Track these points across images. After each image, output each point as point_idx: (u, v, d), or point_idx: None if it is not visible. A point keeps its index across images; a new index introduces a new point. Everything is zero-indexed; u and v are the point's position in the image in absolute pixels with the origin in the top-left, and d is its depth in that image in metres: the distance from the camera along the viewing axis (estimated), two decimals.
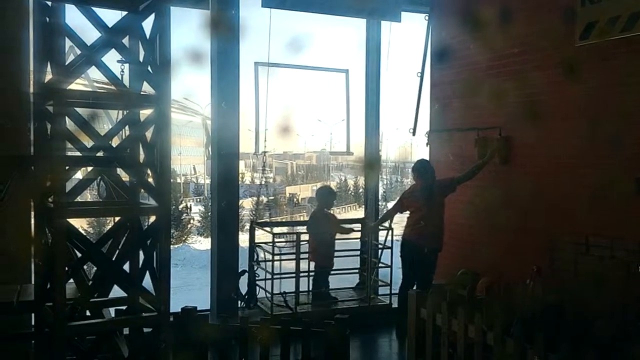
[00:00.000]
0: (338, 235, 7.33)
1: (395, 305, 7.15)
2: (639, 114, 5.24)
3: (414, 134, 8.13)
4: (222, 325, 4.69)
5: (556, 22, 6.00)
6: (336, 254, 7.33)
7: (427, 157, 7.82)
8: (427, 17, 7.93)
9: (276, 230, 7.65)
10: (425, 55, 7.96)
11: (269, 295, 6.88)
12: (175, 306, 4.54)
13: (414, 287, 6.52)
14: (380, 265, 7.30)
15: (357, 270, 7.68)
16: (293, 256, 6.91)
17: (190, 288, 11.57)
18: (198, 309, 4.69)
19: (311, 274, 7.22)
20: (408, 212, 7.10)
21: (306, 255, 7.11)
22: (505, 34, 6.31)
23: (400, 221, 7.34)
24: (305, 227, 7.73)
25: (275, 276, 6.81)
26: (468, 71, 7.22)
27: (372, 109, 7.98)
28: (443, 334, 5.14)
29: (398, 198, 7.34)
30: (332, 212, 7.65)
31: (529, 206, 6.09)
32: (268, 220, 7.27)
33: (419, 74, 8.01)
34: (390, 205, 7.45)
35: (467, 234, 7.05)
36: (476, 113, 7.05)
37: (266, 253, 7.08)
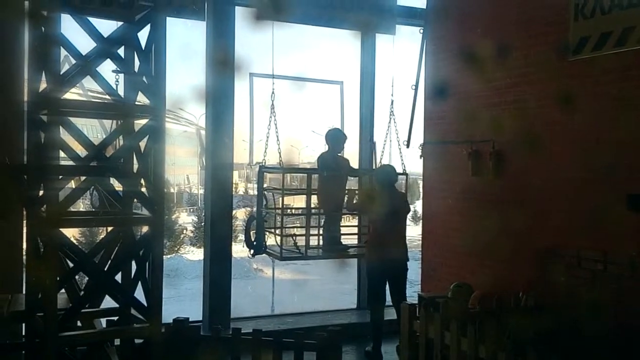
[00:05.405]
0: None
1: None
2: (632, 130, 5.27)
3: (407, 146, 8.12)
4: (214, 336, 4.66)
5: (550, 36, 6.05)
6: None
7: (419, 170, 7.76)
8: (421, 31, 7.97)
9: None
10: (420, 67, 7.98)
11: (278, 240, 6.66)
12: (167, 317, 4.51)
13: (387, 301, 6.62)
14: None
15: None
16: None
17: (183, 299, 11.50)
18: (190, 320, 4.66)
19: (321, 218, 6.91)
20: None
21: None
22: (500, 52, 6.35)
23: None
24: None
25: (285, 217, 6.64)
26: (462, 87, 7.24)
27: (366, 121, 8.01)
28: (436, 347, 5.13)
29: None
30: (343, 156, 7.16)
31: (523, 220, 6.09)
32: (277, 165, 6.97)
33: (414, 87, 8.04)
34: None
35: (461, 246, 7.03)
36: (470, 126, 7.06)
37: (275, 195, 6.86)
